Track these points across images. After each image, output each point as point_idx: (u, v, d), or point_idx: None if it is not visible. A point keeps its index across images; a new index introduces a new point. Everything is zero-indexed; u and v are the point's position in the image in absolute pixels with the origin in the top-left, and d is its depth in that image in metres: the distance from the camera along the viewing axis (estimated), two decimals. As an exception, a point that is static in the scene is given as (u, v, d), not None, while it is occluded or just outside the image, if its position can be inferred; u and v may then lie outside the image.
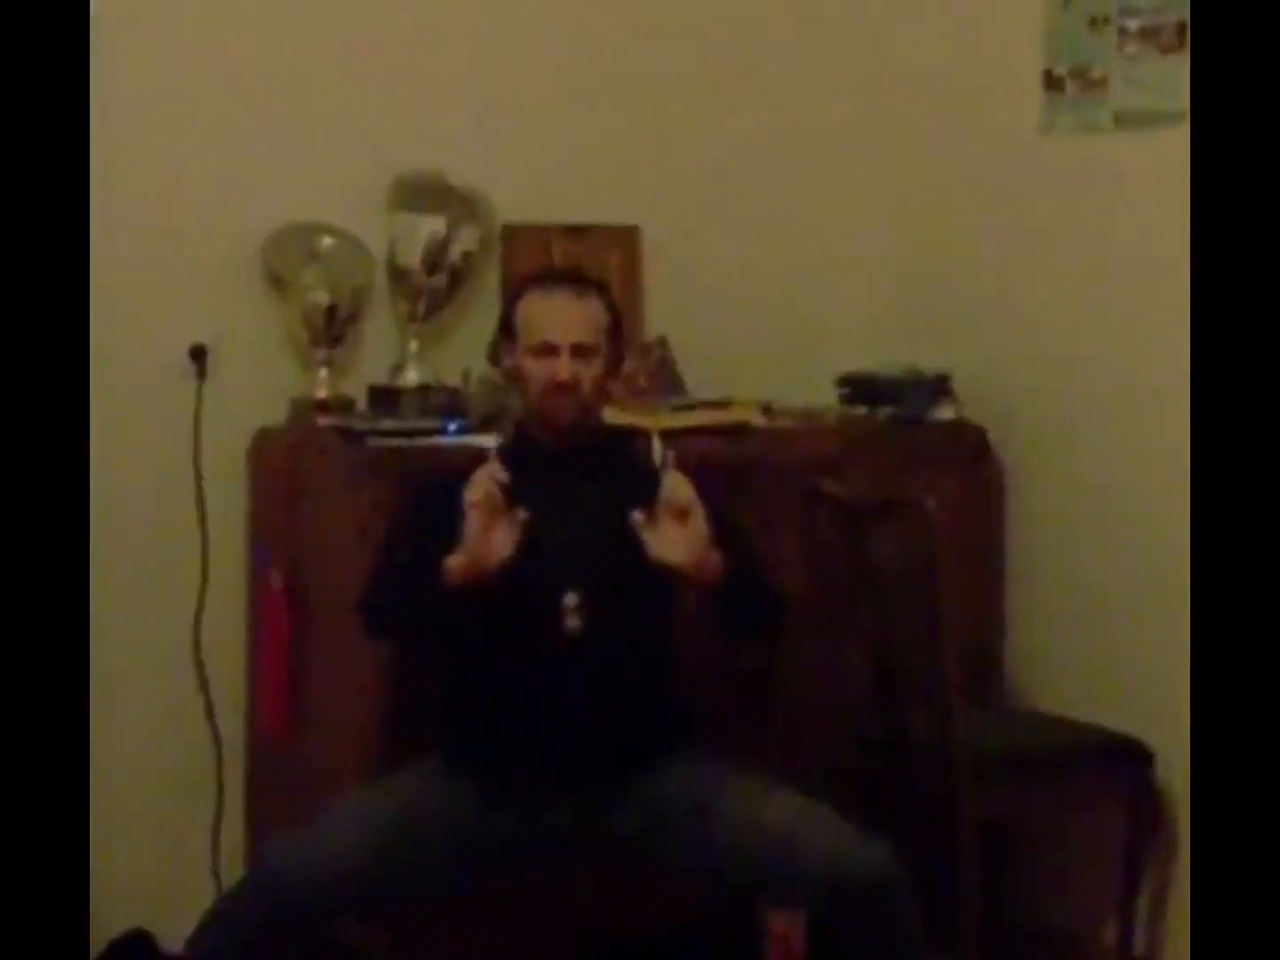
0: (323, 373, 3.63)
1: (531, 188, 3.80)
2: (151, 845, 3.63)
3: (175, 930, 3.22)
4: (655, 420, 3.47)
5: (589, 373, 3.03)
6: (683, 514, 2.87)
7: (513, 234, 3.80)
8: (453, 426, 3.44)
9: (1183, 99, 3.38)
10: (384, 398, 3.61)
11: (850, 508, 3.47)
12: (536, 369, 3.03)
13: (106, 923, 3.47)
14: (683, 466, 2.92)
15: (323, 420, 3.53)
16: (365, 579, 3.05)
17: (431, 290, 3.69)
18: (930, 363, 3.85)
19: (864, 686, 3.55)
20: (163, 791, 3.64)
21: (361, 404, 3.64)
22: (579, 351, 3.02)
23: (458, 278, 3.72)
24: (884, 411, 3.81)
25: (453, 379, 3.64)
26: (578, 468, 3.08)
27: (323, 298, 3.61)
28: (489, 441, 3.26)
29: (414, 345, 3.70)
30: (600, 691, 3.01)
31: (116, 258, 3.40)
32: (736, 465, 3.43)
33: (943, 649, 3.34)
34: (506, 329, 3.12)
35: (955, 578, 3.34)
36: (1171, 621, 3.32)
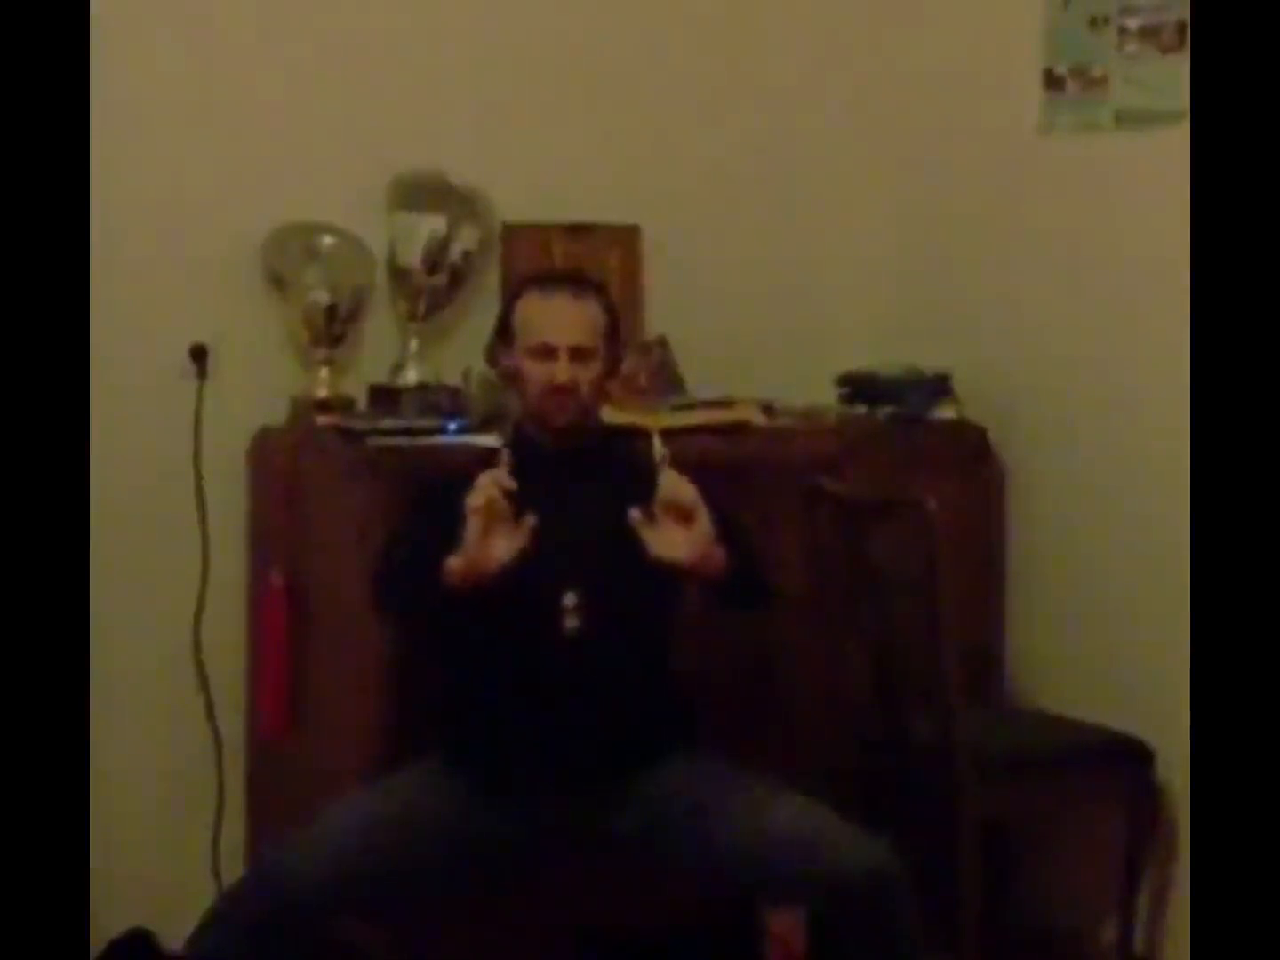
0: (323, 372, 3.63)
1: (531, 187, 3.80)
2: (151, 845, 3.63)
3: (175, 930, 3.22)
4: (655, 420, 3.47)
5: (587, 375, 3.03)
6: (685, 513, 2.87)
7: (513, 234, 3.80)
8: (453, 426, 3.44)
9: (1183, 99, 3.38)
10: (384, 397, 3.61)
11: (850, 507, 3.47)
12: (535, 371, 3.03)
13: (106, 923, 3.47)
14: (679, 463, 2.91)
15: (323, 420, 3.53)
16: (381, 551, 3.04)
17: (431, 290, 3.69)
18: (930, 362, 3.85)
19: (864, 686, 3.55)
20: (163, 791, 3.64)
21: (362, 403, 3.64)
22: (577, 354, 3.02)
23: (458, 277, 3.72)
24: (884, 411, 3.81)
25: (453, 378, 3.64)
26: (576, 467, 3.08)
27: (323, 297, 3.61)
28: (491, 441, 3.27)
29: (414, 345, 3.70)
30: (600, 691, 3.01)
31: (116, 258, 3.40)
32: (736, 464, 3.43)
33: (943, 649, 3.34)
34: (504, 330, 3.12)
35: (955, 578, 3.34)
36: (1171, 621, 3.32)
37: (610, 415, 3.29)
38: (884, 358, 3.89)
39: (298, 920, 2.87)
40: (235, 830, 3.67)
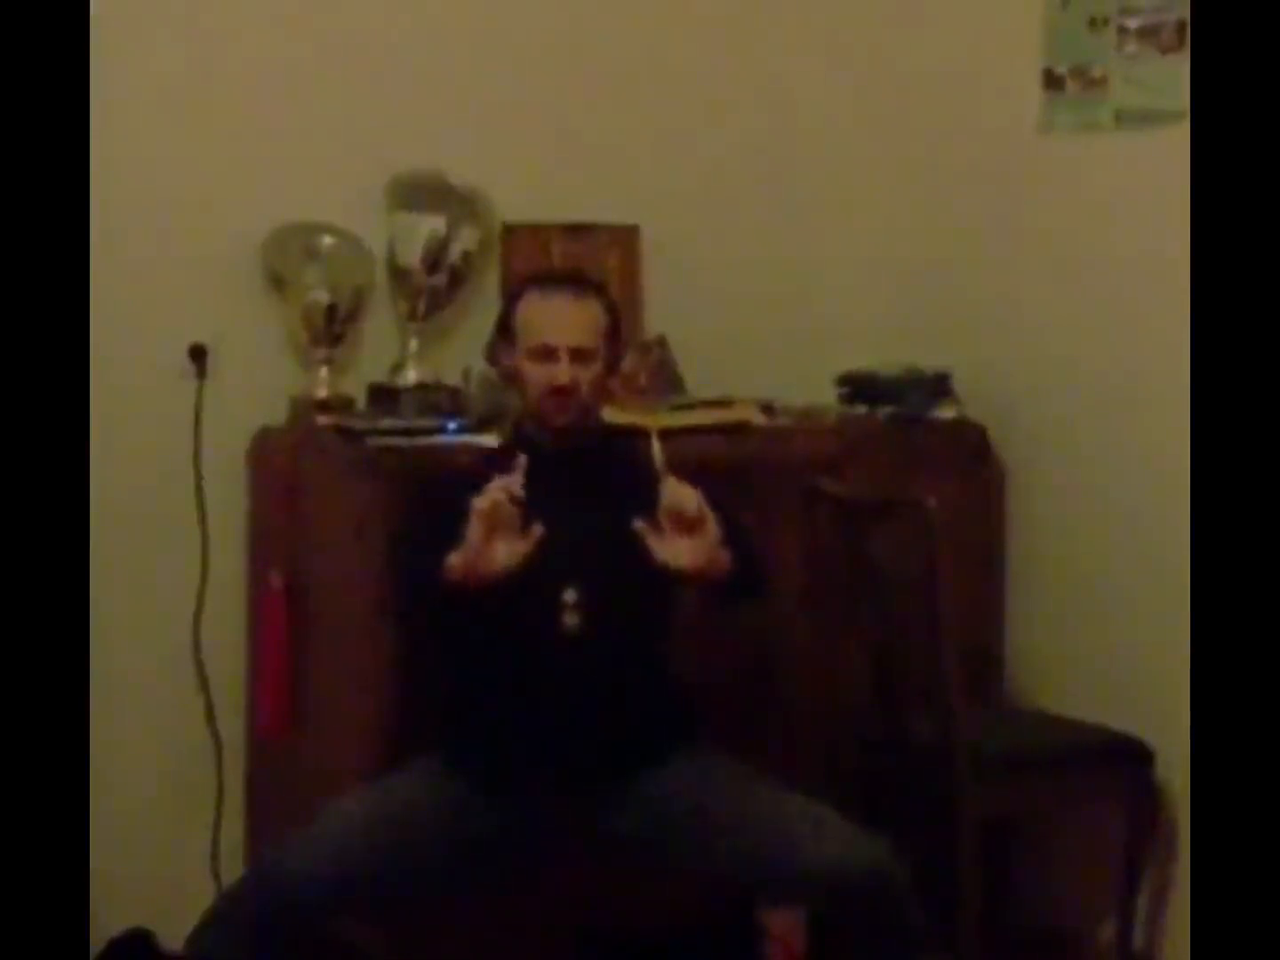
0: (322, 372, 3.63)
1: (531, 187, 3.80)
2: (151, 845, 3.63)
3: (175, 930, 3.22)
4: (655, 419, 3.47)
5: (587, 375, 3.03)
6: (689, 520, 2.86)
7: (512, 233, 3.80)
8: (452, 425, 3.44)
9: (1183, 98, 3.38)
10: (384, 397, 3.61)
11: (850, 507, 3.47)
12: (535, 372, 3.03)
13: (106, 923, 3.47)
14: (679, 468, 2.90)
15: (323, 419, 3.53)
16: (387, 550, 3.05)
17: (431, 289, 3.69)
18: (930, 362, 3.85)
19: (864, 686, 3.55)
20: (163, 791, 3.64)
21: (361, 403, 3.64)
22: (577, 355, 3.01)
23: (457, 277, 3.71)
24: (884, 411, 3.80)
25: (453, 378, 3.64)
26: (577, 466, 3.08)
27: (323, 297, 3.61)
28: (490, 441, 3.27)
29: (414, 344, 3.70)
30: (599, 689, 3.01)
31: (116, 258, 3.40)
32: (736, 464, 3.43)
33: (943, 649, 3.34)
34: (504, 330, 3.12)
35: (955, 578, 3.35)
36: (1171, 621, 3.32)
37: (610, 415, 3.29)
38: (884, 358, 3.89)
39: (297, 920, 2.88)
40: (235, 830, 3.67)
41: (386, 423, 3.46)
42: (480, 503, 2.81)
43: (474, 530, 2.81)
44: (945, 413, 3.83)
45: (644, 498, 2.98)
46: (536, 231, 3.81)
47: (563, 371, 3.00)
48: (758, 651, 3.52)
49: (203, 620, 3.61)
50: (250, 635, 3.61)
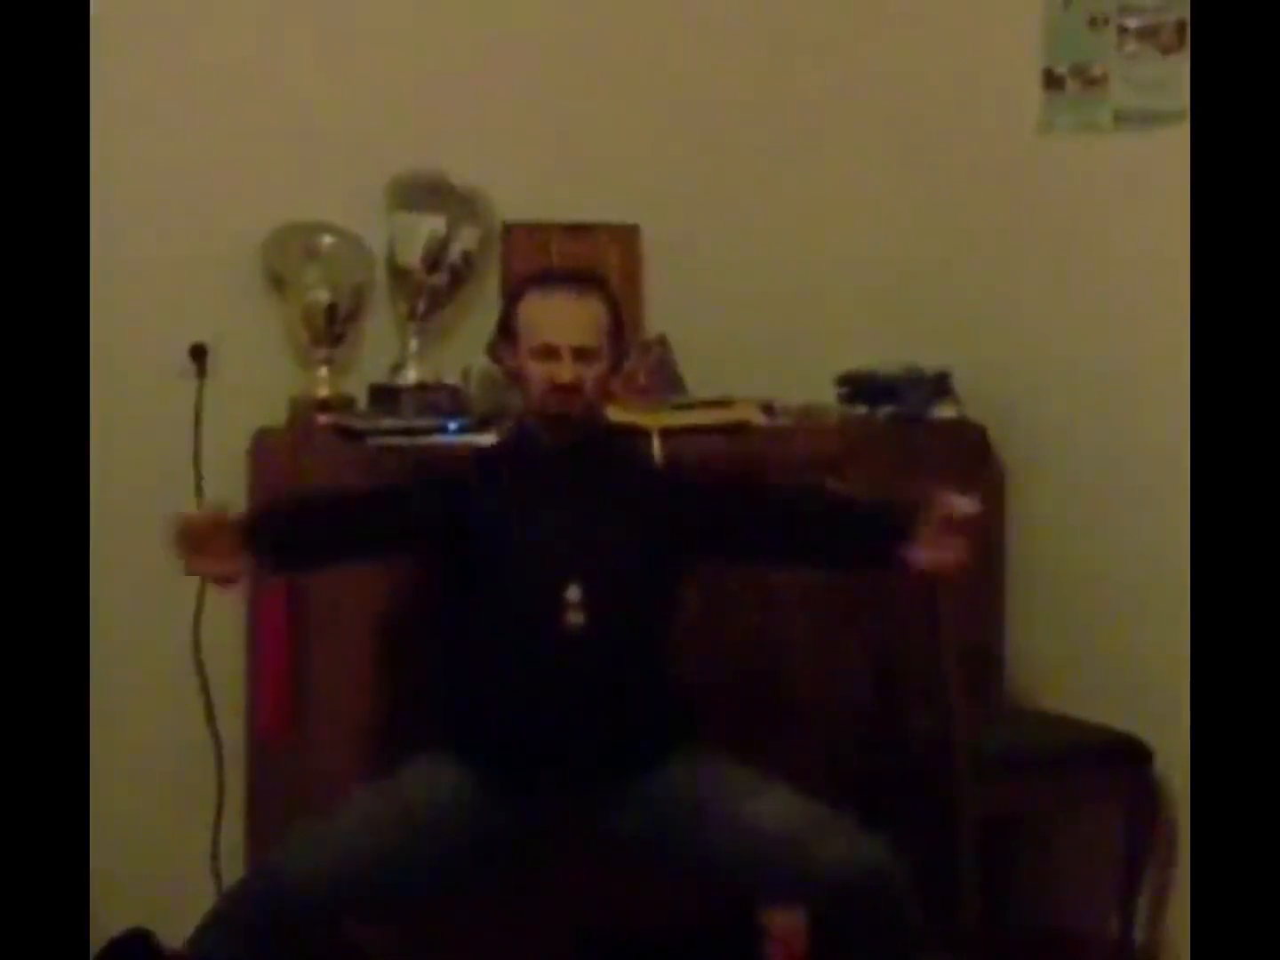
0: (323, 372, 3.63)
1: (531, 187, 3.80)
2: (151, 845, 3.62)
3: (175, 930, 3.22)
4: (656, 419, 3.48)
5: (591, 374, 3.01)
6: (962, 523, 2.90)
7: (512, 233, 3.80)
8: (453, 425, 3.44)
9: (1183, 98, 3.38)
10: (384, 396, 3.61)
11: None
12: (538, 371, 3.01)
13: (106, 922, 3.46)
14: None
15: (323, 419, 3.53)
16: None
17: (431, 289, 3.69)
18: (930, 361, 3.85)
19: (864, 686, 3.55)
20: (163, 791, 3.64)
21: (362, 403, 3.64)
22: (580, 354, 3.00)
23: (458, 277, 3.71)
24: (884, 410, 3.80)
25: (453, 378, 3.63)
26: (579, 465, 3.07)
27: (323, 297, 3.61)
28: (489, 440, 3.27)
29: (414, 344, 3.70)
30: (602, 687, 3.00)
31: (116, 258, 3.40)
32: (737, 464, 3.43)
33: (943, 649, 3.35)
34: (506, 329, 3.10)
35: (955, 577, 3.34)
36: (1171, 621, 3.32)
37: (612, 415, 3.28)
38: (884, 357, 3.89)
39: (301, 923, 2.86)
40: (235, 830, 3.67)
41: (387, 423, 3.46)
42: (174, 522, 2.80)
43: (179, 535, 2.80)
44: (945, 413, 3.83)
45: (646, 495, 2.99)
46: (536, 231, 3.81)
47: (566, 370, 2.99)
48: (758, 652, 3.52)
49: (203, 620, 3.61)
50: (250, 635, 3.61)
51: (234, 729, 3.65)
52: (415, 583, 3.21)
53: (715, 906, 3.34)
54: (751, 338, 3.99)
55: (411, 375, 3.67)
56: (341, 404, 3.59)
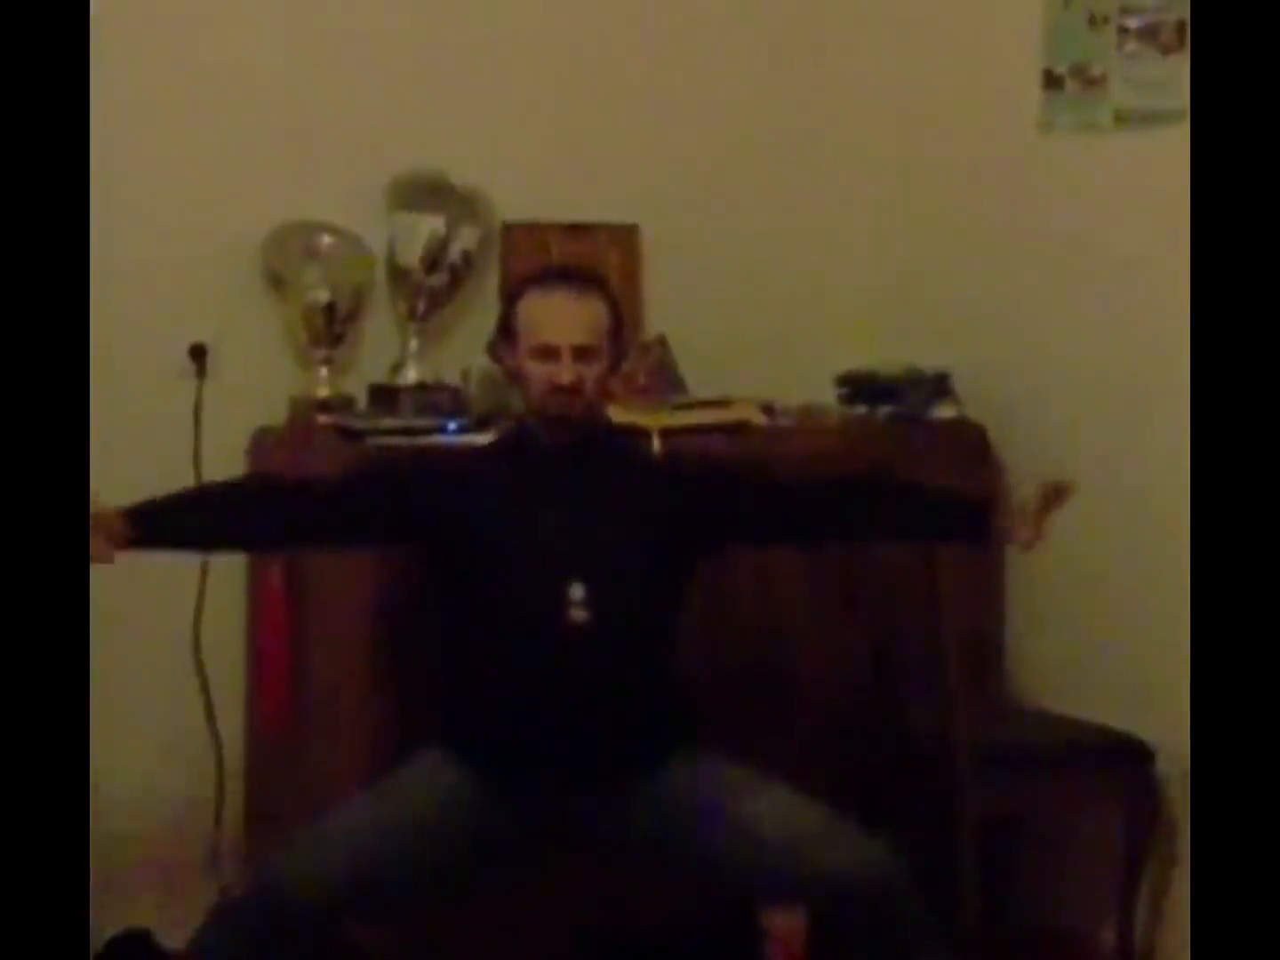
0: (322, 371, 3.63)
1: (531, 187, 3.80)
2: (151, 845, 3.62)
3: (175, 930, 3.22)
4: (656, 419, 3.48)
5: (591, 374, 2.99)
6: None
7: (512, 233, 3.80)
8: (452, 425, 3.44)
9: (1183, 98, 3.38)
10: (384, 396, 3.62)
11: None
12: (538, 371, 2.99)
13: (106, 923, 3.46)
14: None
15: (323, 419, 3.53)
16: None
17: (431, 289, 3.70)
18: (930, 361, 3.85)
19: (864, 684, 3.55)
20: (162, 791, 3.64)
21: (361, 403, 3.64)
22: (581, 354, 2.98)
23: (457, 277, 3.72)
24: (884, 410, 3.80)
25: (452, 378, 3.64)
26: (580, 463, 3.06)
27: (322, 296, 3.61)
28: (488, 440, 3.27)
29: (414, 344, 3.70)
30: (606, 685, 2.98)
31: (116, 257, 3.40)
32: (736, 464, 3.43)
33: (943, 648, 3.35)
34: (506, 329, 3.08)
35: (955, 578, 3.34)
36: (1171, 621, 3.32)
37: (612, 414, 3.28)
38: (884, 357, 3.89)
39: (300, 924, 2.85)
40: (235, 830, 3.67)
41: (386, 423, 3.46)
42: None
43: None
44: (945, 413, 3.83)
45: (648, 493, 2.98)
46: (536, 231, 3.81)
47: (566, 370, 2.97)
48: (758, 649, 3.53)
49: (203, 620, 3.61)
50: (250, 635, 3.61)
51: (234, 729, 3.65)
52: (416, 581, 3.21)
53: (715, 907, 3.34)
54: (751, 338, 3.99)
55: (411, 375, 3.67)
56: (341, 404, 3.60)
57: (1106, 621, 3.69)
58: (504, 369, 3.16)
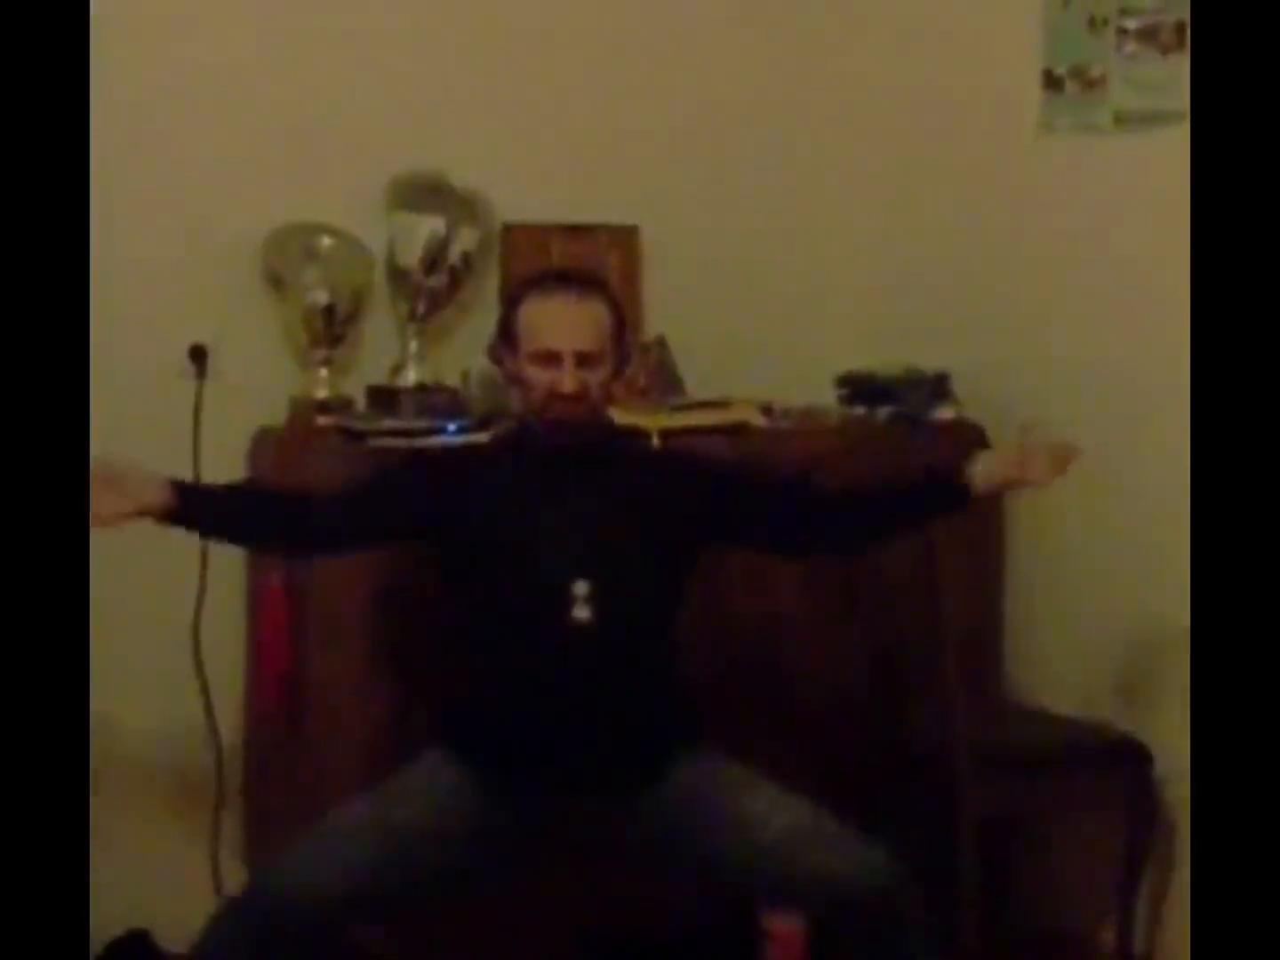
0: (322, 372, 3.63)
1: (531, 188, 3.80)
2: (151, 846, 3.62)
3: (175, 931, 3.22)
4: (655, 420, 3.48)
5: (595, 379, 2.97)
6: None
7: (512, 234, 3.80)
8: (452, 426, 3.44)
9: (1182, 99, 3.38)
10: (383, 397, 3.62)
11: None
12: (539, 376, 2.96)
13: (106, 923, 3.46)
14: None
15: (322, 420, 3.53)
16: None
17: (431, 290, 3.69)
18: (930, 362, 3.85)
19: (864, 686, 3.55)
20: (162, 792, 3.64)
21: (361, 404, 3.64)
22: (583, 359, 2.95)
23: (457, 278, 3.72)
24: (883, 411, 3.80)
25: (452, 379, 3.64)
26: (580, 463, 3.05)
27: (322, 297, 3.61)
28: (486, 439, 3.28)
29: (413, 345, 3.70)
30: (608, 686, 2.97)
31: (116, 258, 3.40)
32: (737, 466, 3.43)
33: (943, 648, 3.35)
34: (506, 333, 3.05)
35: (955, 577, 3.35)
36: (1171, 621, 3.32)
37: (613, 416, 3.28)
38: (883, 358, 3.89)
39: (301, 928, 2.84)
40: (235, 830, 3.67)
41: (386, 423, 3.46)
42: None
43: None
44: (945, 413, 3.83)
45: (650, 491, 2.98)
46: (536, 232, 3.81)
47: (570, 378, 2.94)
48: (758, 651, 3.52)
49: (203, 620, 3.61)
50: (250, 635, 3.61)
51: (234, 729, 3.65)
52: (416, 581, 3.21)
53: (715, 907, 3.34)
54: (751, 338, 3.99)
55: (411, 376, 3.67)
56: (341, 405, 3.60)
57: (1106, 621, 3.70)
58: (504, 373, 3.14)
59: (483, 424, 3.43)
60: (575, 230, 3.85)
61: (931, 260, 4.02)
